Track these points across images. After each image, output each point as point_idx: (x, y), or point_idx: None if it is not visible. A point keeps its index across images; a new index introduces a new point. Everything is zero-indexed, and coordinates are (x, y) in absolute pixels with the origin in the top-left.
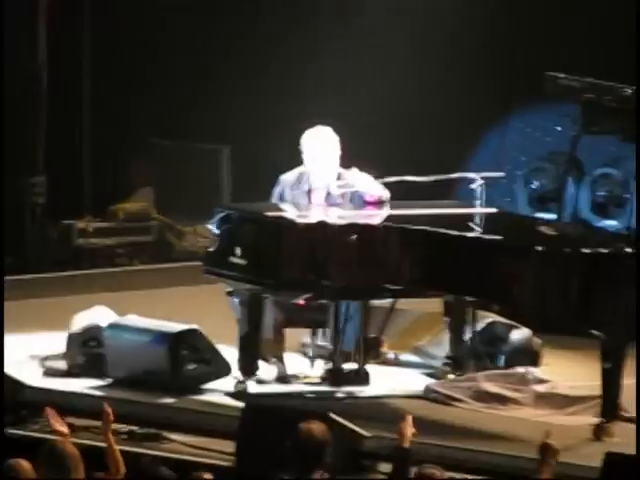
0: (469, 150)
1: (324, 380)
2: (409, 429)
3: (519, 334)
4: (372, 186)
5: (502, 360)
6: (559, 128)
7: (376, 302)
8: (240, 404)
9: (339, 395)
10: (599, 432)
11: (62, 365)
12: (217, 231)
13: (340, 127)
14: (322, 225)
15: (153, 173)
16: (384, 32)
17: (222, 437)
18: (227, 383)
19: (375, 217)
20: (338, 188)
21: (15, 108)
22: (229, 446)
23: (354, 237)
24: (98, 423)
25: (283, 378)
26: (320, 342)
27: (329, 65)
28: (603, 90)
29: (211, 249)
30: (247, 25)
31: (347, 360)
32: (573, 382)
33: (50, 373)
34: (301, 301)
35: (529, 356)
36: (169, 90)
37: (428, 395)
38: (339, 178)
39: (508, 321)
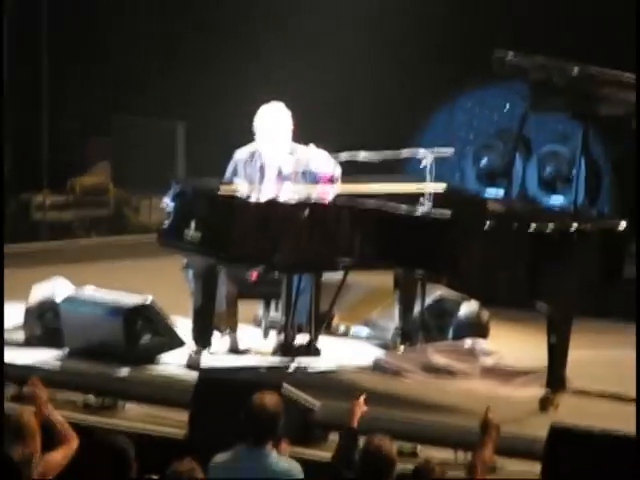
0: (421, 127)
1: (276, 352)
2: (359, 409)
3: (467, 307)
4: (325, 164)
5: (450, 332)
6: (508, 106)
7: (328, 276)
8: (194, 375)
9: (292, 367)
10: (545, 403)
11: (20, 336)
12: (172, 204)
13: (296, 104)
14: (273, 203)
15: (110, 148)
16: (338, 10)
17: (176, 407)
18: (182, 354)
19: (326, 194)
20: (289, 165)
21: None
22: (183, 416)
23: (305, 214)
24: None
25: (236, 349)
26: (273, 314)
27: (287, 42)
28: (551, 69)
29: (166, 222)
30: (205, 3)
31: (299, 332)
32: (520, 354)
33: (8, 343)
34: (254, 274)
35: (477, 328)
36: (127, 66)
37: (378, 366)
38: (293, 154)
39: (457, 294)
